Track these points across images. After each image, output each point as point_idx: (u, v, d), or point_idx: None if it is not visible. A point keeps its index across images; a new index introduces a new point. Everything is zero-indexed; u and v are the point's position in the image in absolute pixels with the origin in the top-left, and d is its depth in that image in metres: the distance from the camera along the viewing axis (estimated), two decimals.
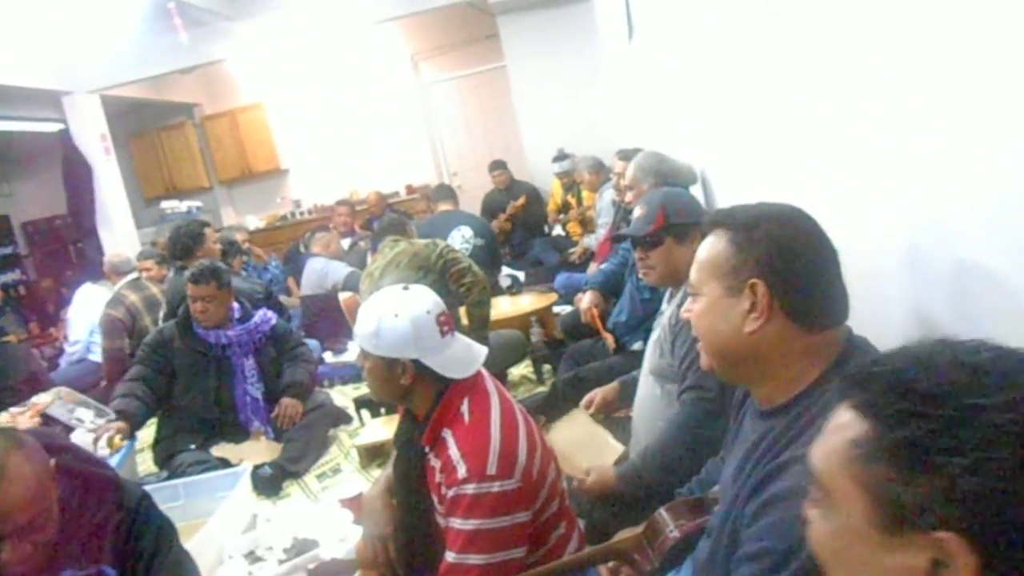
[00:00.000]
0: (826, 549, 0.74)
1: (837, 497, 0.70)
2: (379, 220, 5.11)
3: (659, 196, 2.19)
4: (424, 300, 1.77)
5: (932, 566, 0.62)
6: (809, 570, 0.95)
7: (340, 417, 4.11)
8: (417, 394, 1.77)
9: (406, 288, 1.82)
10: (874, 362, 0.72)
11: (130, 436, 3.40)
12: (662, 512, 1.52)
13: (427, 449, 1.75)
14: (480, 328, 3.73)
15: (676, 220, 2.09)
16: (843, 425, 0.70)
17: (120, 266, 5.35)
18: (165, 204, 8.94)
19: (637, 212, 2.21)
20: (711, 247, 1.18)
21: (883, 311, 1.35)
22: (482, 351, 1.82)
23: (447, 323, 1.77)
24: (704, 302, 1.17)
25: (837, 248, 1.13)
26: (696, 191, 3.07)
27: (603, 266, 3.78)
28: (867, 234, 1.41)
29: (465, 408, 1.72)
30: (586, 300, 3.50)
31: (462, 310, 3.80)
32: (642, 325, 2.97)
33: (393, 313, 1.72)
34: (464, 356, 1.78)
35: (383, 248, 3.72)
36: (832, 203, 1.49)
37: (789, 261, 1.10)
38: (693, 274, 1.21)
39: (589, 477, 2.04)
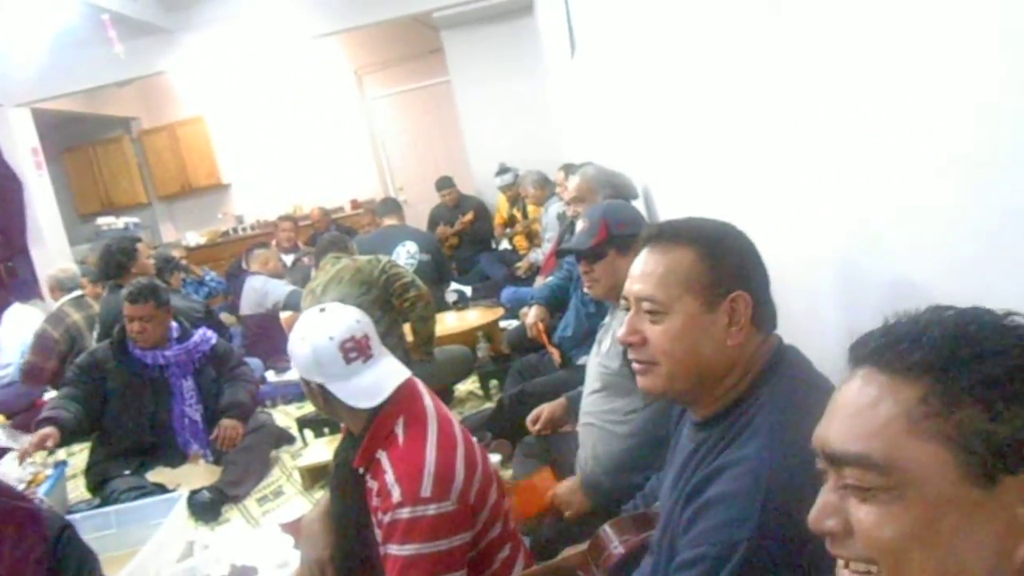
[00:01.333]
0: (906, 542, 0.63)
1: (912, 468, 0.63)
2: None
3: (600, 209, 2.20)
4: (331, 326, 1.71)
5: None
6: (742, 572, 0.94)
7: (282, 437, 4.01)
8: (346, 414, 1.74)
9: (323, 310, 1.78)
10: (886, 331, 0.69)
11: (60, 445, 3.24)
12: (606, 528, 1.51)
13: (361, 471, 1.71)
14: (425, 343, 3.70)
15: (617, 232, 2.10)
16: (886, 393, 0.65)
17: (66, 282, 5.12)
18: (101, 220, 8.68)
19: (580, 226, 2.22)
20: (676, 262, 1.13)
21: (818, 327, 1.37)
22: (397, 377, 1.74)
23: (355, 349, 1.70)
24: (679, 320, 1.11)
25: (772, 265, 1.16)
26: (638, 205, 3.09)
27: (548, 280, 3.78)
28: (803, 252, 1.43)
29: (399, 429, 1.68)
30: (532, 315, 3.49)
31: (407, 326, 3.76)
32: (588, 339, 2.97)
33: (300, 337, 1.71)
34: (370, 385, 1.70)
35: (324, 264, 3.69)
36: (769, 221, 1.52)
37: (755, 270, 1.13)
38: (655, 291, 1.13)
39: (567, 510, 2.04)
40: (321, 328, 1.70)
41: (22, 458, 3.08)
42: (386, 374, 1.74)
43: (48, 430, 3.14)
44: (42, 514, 1.60)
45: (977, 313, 0.66)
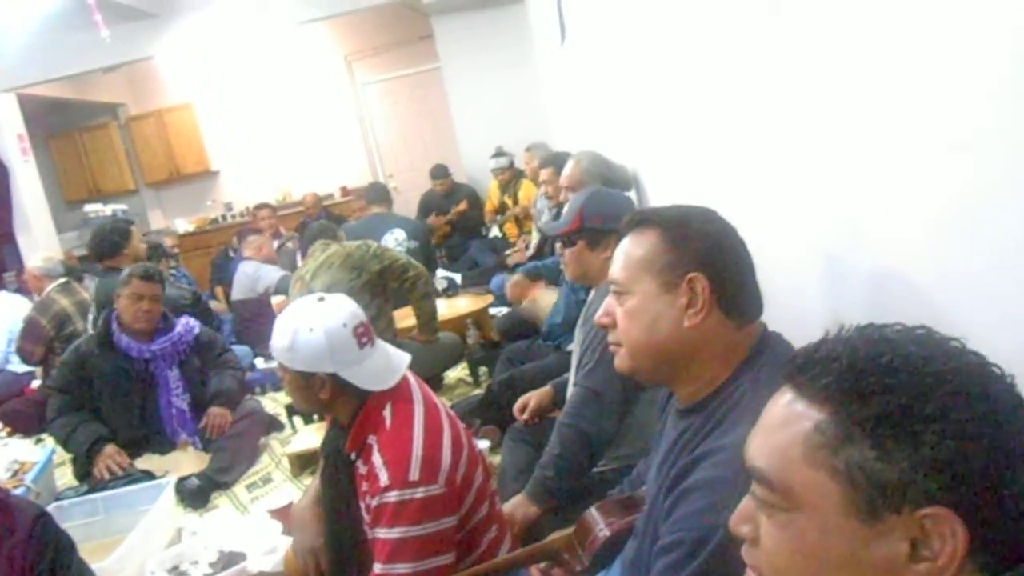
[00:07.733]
0: (794, 559, 0.66)
1: (802, 494, 0.64)
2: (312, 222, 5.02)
3: (582, 198, 2.19)
4: (341, 312, 1.71)
5: (911, 548, 0.60)
6: (717, 557, 0.95)
7: (272, 424, 4.01)
8: (339, 405, 1.74)
9: (322, 299, 1.76)
10: (814, 349, 0.68)
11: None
12: (592, 511, 1.52)
13: (353, 457, 1.71)
14: (430, 321, 3.77)
15: (590, 225, 2.10)
16: (793, 416, 0.66)
17: (52, 270, 5.08)
18: (88, 207, 8.58)
19: (566, 207, 2.24)
20: (640, 245, 1.15)
21: (801, 319, 1.37)
22: (403, 360, 1.78)
23: (365, 334, 1.72)
24: (637, 300, 1.14)
25: (759, 256, 1.16)
26: (631, 195, 3.08)
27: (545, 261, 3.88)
28: (788, 244, 1.43)
29: (387, 413, 1.68)
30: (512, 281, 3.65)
31: (408, 309, 3.82)
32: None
33: (308, 327, 1.68)
34: (383, 367, 1.73)
35: (314, 251, 3.69)
36: (754, 214, 1.52)
37: (722, 255, 1.12)
38: (620, 273, 1.17)
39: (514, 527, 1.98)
40: (331, 316, 1.69)
41: (97, 480, 3.20)
42: (393, 356, 1.77)
43: (110, 449, 3.29)
44: (12, 504, 1.57)
45: (902, 341, 0.65)
